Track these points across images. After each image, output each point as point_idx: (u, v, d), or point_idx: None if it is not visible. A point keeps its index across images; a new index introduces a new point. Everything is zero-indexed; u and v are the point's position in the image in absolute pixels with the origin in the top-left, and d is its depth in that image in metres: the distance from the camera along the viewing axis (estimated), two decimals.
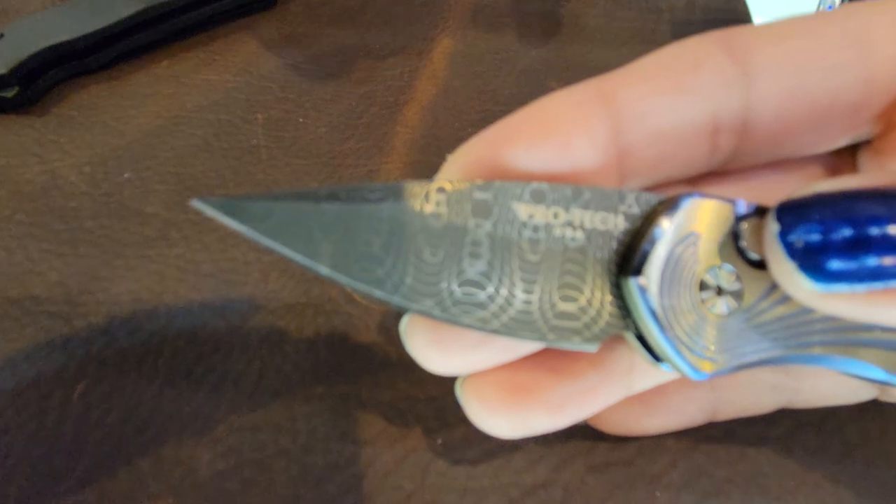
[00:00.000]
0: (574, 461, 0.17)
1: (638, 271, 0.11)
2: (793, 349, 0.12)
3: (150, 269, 0.20)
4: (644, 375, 0.14)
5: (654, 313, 0.11)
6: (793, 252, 0.11)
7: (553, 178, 0.12)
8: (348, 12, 0.32)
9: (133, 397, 0.17)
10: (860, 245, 0.10)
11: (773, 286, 0.12)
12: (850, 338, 0.12)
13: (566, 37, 0.30)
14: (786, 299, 0.12)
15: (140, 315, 0.19)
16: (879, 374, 0.12)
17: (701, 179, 0.14)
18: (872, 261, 0.10)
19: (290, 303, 0.19)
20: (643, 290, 0.11)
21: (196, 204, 0.10)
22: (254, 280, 0.20)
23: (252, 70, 0.28)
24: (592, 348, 0.12)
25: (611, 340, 0.12)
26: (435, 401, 0.17)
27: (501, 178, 0.12)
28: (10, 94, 0.25)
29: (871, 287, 0.10)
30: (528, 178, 0.12)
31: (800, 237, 0.11)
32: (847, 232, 0.10)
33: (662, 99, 0.12)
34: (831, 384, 0.16)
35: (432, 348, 0.12)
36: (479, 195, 0.11)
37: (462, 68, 0.28)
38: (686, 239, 0.12)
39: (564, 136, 0.12)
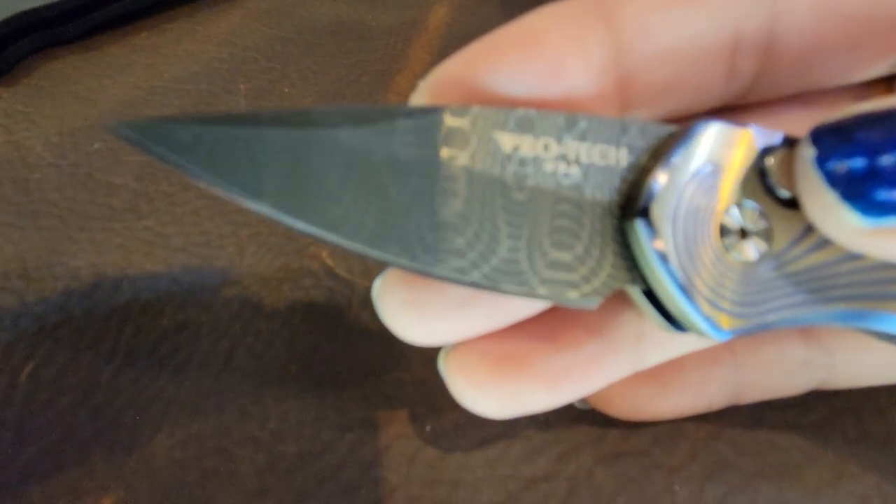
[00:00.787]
0: (581, 451, 0.15)
1: (645, 212, 0.10)
2: (829, 304, 0.10)
3: (115, 242, 0.19)
4: (656, 346, 0.12)
5: (664, 260, 0.10)
6: (833, 180, 0.09)
7: (542, 106, 0.10)
8: None
9: (88, 379, 0.16)
10: None
11: (808, 229, 0.10)
12: (886, 291, 0.10)
13: None
14: (823, 244, 0.10)
15: (101, 290, 0.17)
16: None
17: (714, 114, 0.12)
18: None
19: (266, 277, 0.18)
20: (651, 234, 0.10)
21: (109, 129, 0.08)
22: (228, 254, 0.18)
23: (236, 41, 0.27)
24: (592, 305, 0.10)
25: (614, 298, 0.11)
26: (423, 384, 0.16)
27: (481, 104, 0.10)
28: None
29: None
30: (512, 104, 0.10)
31: (842, 163, 0.09)
32: None
33: (673, 11, 0.10)
34: (870, 361, 0.14)
35: (407, 312, 0.11)
36: (452, 122, 0.09)
37: (458, 38, 0.27)
38: (701, 173, 0.10)
39: (556, 56, 0.10)
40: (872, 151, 0.09)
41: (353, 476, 0.14)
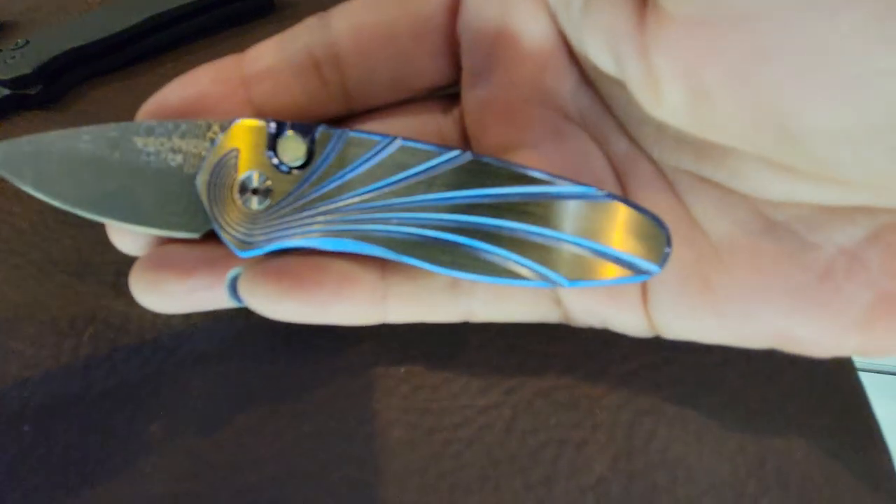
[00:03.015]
0: (523, 386, 0.19)
1: (196, 176, 0.16)
2: (312, 234, 0.16)
3: None
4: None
5: (210, 205, 0.16)
6: None
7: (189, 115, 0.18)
8: None
9: None
10: None
11: (294, 188, 0.16)
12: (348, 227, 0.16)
13: None
14: (305, 197, 0.16)
15: None
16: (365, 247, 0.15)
17: (354, 121, 0.19)
18: None
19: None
20: (199, 189, 0.16)
21: None
22: None
23: None
24: (195, 235, 0.17)
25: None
26: (399, 336, 0.20)
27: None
28: (34, 91, 0.28)
29: None
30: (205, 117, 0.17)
31: None
32: None
33: (272, 43, 0.18)
34: (502, 294, 0.17)
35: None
36: (111, 133, 0.17)
37: None
38: (230, 152, 0.16)
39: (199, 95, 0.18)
40: None
41: (345, 405, 0.18)
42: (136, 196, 0.17)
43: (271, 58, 0.18)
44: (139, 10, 0.30)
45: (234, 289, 0.17)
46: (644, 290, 0.16)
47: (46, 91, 0.28)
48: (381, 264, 0.17)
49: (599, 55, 0.15)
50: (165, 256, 0.17)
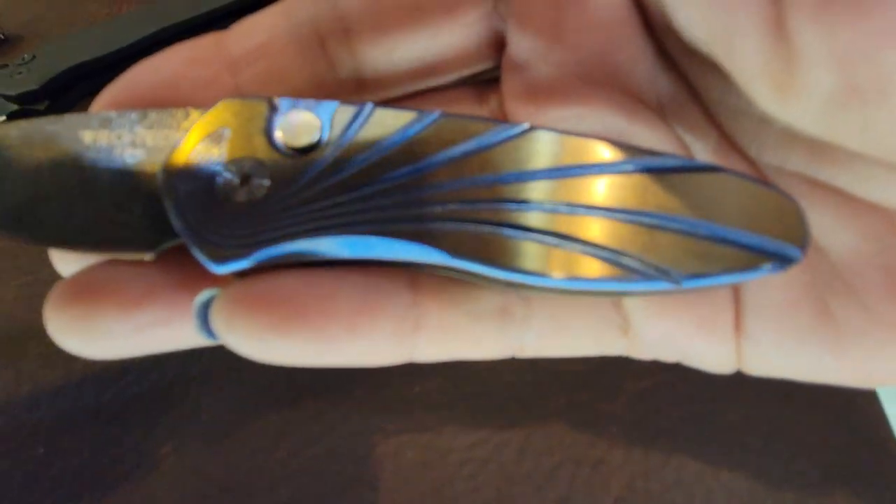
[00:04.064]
0: (538, 405, 0.19)
1: (163, 167, 0.12)
2: (327, 232, 0.11)
3: None
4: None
5: (176, 204, 0.12)
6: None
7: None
8: None
9: None
10: None
11: (304, 174, 0.12)
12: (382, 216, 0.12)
13: None
14: (320, 183, 0.12)
15: None
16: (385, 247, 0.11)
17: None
18: None
19: None
20: (167, 181, 0.12)
21: None
22: None
23: None
24: (148, 257, 0.12)
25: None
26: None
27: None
28: (41, 107, 0.28)
29: None
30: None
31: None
32: None
33: (265, 16, 0.14)
34: (564, 322, 0.14)
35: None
36: (50, 128, 0.13)
37: None
38: (214, 134, 0.12)
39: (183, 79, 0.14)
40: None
41: (358, 426, 0.18)
42: (70, 207, 0.12)
43: (264, 34, 0.14)
44: (145, 24, 0.30)
45: (204, 319, 0.12)
46: (739, 317, 0.13)
47: (53, 106, 0.28)
48: (409, 284, 0.13)
49: (697, 29, 0.12)
50: (100, 280, 0.12)
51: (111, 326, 0.12)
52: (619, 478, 0.17)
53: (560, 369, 0.19)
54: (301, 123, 0.12)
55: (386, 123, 0.12)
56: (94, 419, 0.18)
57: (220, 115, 0.12)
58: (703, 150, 0.13)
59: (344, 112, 0.12)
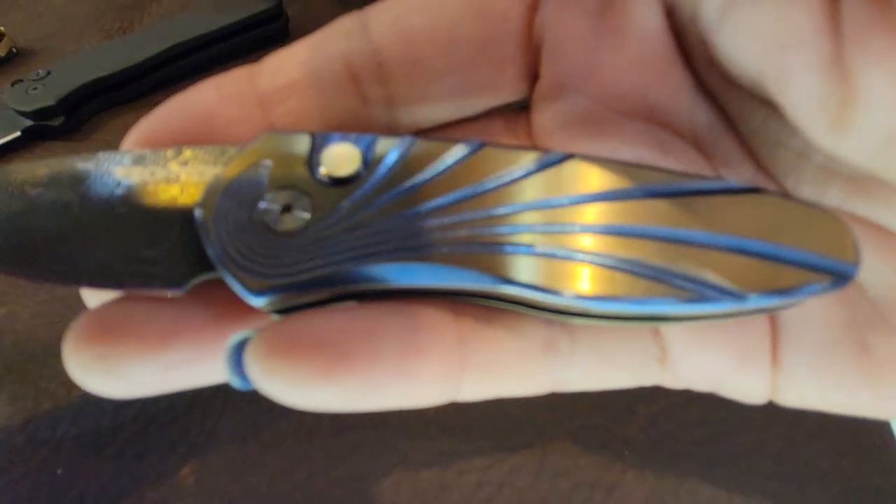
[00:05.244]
0: (553, 427, 0.19)
1: (199, 204, 0.12)
2: (367, 260, 0.11)
3: None
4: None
5: (209, 235, 0.12)
6: None
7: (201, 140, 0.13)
8: None
9: None
10: None
11: (346, 203, 0.12)
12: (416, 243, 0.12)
13: None
14: (361, 212, 0.12)
15: None
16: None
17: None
18: None
19: None
20: (201, 216, 0.12)
21: None
22: None
23: None
24: (178, 292, 0.12)
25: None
26: None
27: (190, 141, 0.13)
28: (56, 122, 0.28)
29: None
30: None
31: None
32: None
33: (296, 51, 0.14)
34: (607, 355, 0.13)
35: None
36: (81, 166, 0.13)
37: None
38: (255, 165, 0.12)
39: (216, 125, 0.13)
40: None
41: (376, 448, 0.18)
42: (98, 244, 0.12)
43: (296, 70, 0.14)
44: (160, 40, 0.30)
45: (237, 363, 0.11)
46: (776, 349, 0.13)
47: (67, 121, 0.28)
48: (454, 318, 0.12)
49: (749, 66, 0.11)
50: (123, 317, 0.11)
51: (134, 368, 0.11)
52: (633, 501, 0.17)
53: (574, 392, 0.19)
54: (342, 154, 0.12)
55: (427, 154, 0.12)
56: (114, 439, 0.19)
57: (261, 147, 0.12)
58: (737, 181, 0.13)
59: (385, 144, 0.12)
